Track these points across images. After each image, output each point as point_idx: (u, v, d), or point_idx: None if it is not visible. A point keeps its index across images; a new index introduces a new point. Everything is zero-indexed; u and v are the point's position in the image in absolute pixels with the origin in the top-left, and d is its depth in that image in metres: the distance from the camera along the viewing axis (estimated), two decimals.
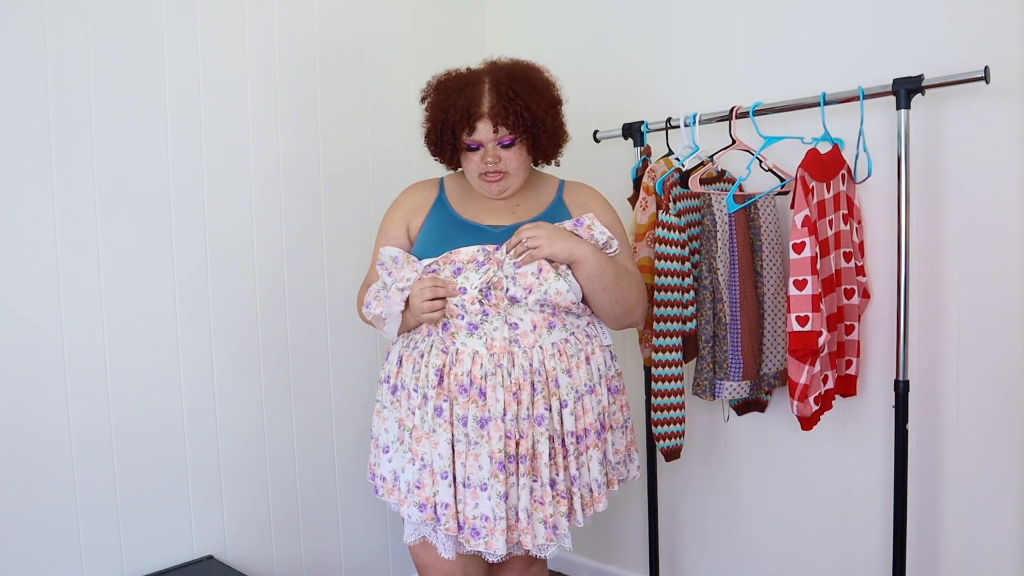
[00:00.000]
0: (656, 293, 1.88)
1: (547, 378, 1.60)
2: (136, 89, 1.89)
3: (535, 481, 1.59)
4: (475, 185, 1.70)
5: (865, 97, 1.74)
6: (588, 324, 1.70)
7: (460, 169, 1.76)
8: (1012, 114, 1.70)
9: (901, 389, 1.73)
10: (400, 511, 1.65)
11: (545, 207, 1.72)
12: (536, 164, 1.75)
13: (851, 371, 1.88)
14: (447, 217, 1.70)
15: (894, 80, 1.68)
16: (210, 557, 2.03)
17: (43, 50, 1.75)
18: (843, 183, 1.80)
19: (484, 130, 1.60)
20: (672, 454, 1.97)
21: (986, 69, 1.60)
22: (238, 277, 2.08)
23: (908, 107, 1.68)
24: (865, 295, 1.89)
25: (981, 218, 1.76)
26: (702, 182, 1.95)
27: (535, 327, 1.60)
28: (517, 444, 1.58)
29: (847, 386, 1.89)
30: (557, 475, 1.61)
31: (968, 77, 1.62)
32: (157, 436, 1.95)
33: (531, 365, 1.58)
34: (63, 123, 1.78)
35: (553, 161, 1.75)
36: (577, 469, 1.63)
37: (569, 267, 1.60)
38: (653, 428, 1.94)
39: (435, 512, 1.60)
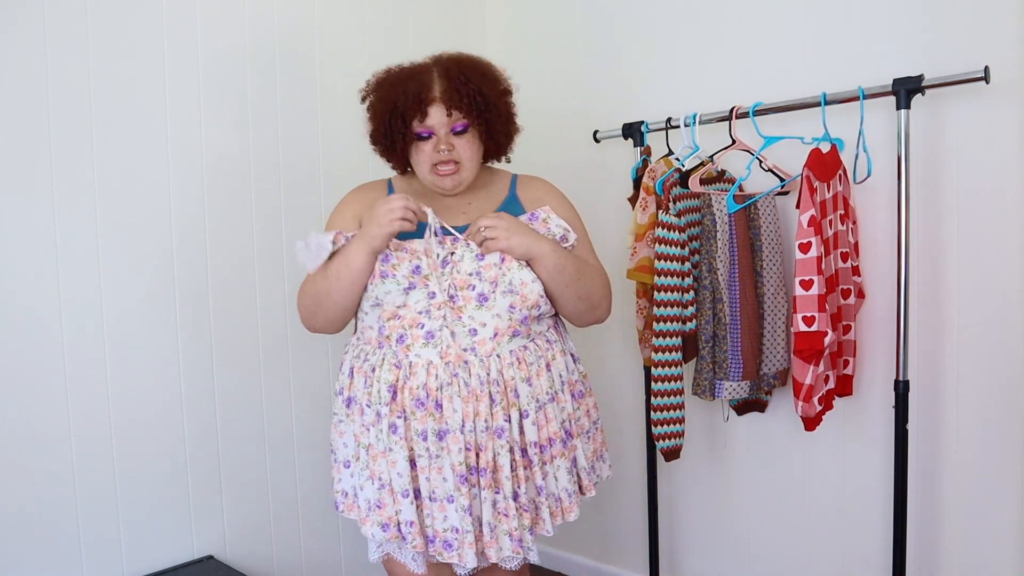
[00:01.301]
0: (656, 293, 1.88)
1: (506, 388, 1.52)
2: (135, 82, 1.89)
3: (497, 493, 1.53)
4: (427, 181, 1.61)
5: (865, 97, 1.74)
6: (548, 329, 1.64)
7: (409, 170, 1.69)
8: (1012, 114, 1.70)
9: (901, 389, 1.73)
10: (362, 530, 1.59)
11: (498, 205, 1.65)
12: (488, 160, 1.69)
13: (847, 371, 1.88)
14: None
15: (894, 80, 1.68)
16: (210, 557, 2.03)
17: (43, 44, 1.75)
18: (840, 183, 1.81)
19: (437, 115, 1.53)
20: (672, 454, 1.97)
21: (986, 69, 1.60)
22: (237, 275, 2.08)
23: (908, 107, 1.68)
24: (860, 295, 1.89)
25: (981, 218, 1.76)
26: (702, 182, 1.94)
27: (496, 334, 1.52)
28: (477, 456, 1.52)
29: (844, 386, 1.89)
30: (519, 487, 1.54)
31: (968, 77, 1.62)
32: (157, 436, 1.95)
33: (488, 375, 1.51)
34: (62, 118, 1.78)
35: (505, 157, 1.70)
36: (543, 479, 1.57)
37: (528, 264, 1.54)
38: (653, 428, 1.94)
39: (399, 530, 1.54)
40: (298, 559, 2.22)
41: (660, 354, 1.88)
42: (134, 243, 1.90)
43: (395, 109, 1.54)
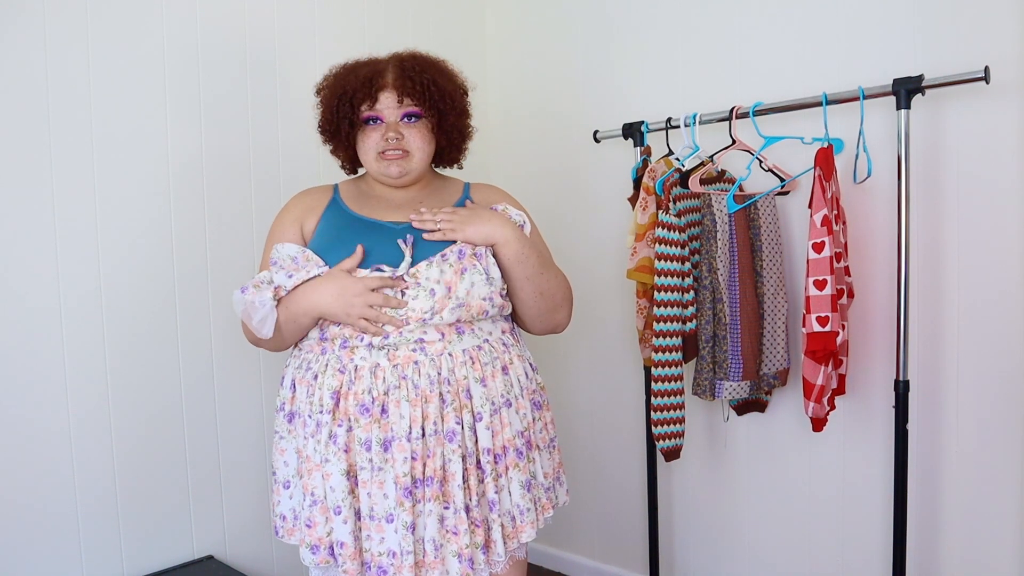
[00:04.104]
0: (656, 293, 1.88)
1: (458, 388, 1.41)
2: (132, 82, 1.89)
3: (446, 508, 1.40)
4: (373, 169, 1.53)
5: (865, 97, 1.74)
6: (504, 333, 1.54)
7: (359, 173, 1.64)
8: (1012, 114, 1.70)
9: (901, 389, 1.73)
10: (300, 553, 1.46)
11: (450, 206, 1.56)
12: (440, 164, 1.64)
13: (841, 370, 1.88)
14: (343, 216, 1.53)
15: (894, 80, 1.68)
16: (210, 557, 2.03)
17: (43, 44, 1.75)
18: (834, 183, 1.81)
19: (387, 100, 1.47)
20: (672, 454, 1.97)
21: (986, 69, 1.60)
22: (239, 272, 2.08)
23: (908, 107, 1.68)
24: (850, 295, 1.90)
25: (981, 218, 1.76)
26: (702, 182, 1.95)
27: (443, 336, 1.43)
28: (424, 466, 1.39)
29: (840, 385, 1.89)
30: (471, 500, 1.41)
31: (968, 77, 1.62)
32: (157, 436, 1.95)
33: (439, 374, 1.40)
34: (62, 118, 1.78)
35: (457, 163, 1.65)
36: (496, 493, 1.44)
37: (492, 251, 1.47)
38: (653, 428, 1.95)
39: (331, 553, 1.42)
40: (298, 559, 2.21)
41: (660, 354, 1.89)
42: (133, 241, 1.90)
43: (344, 93, 1.49)
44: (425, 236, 1.45)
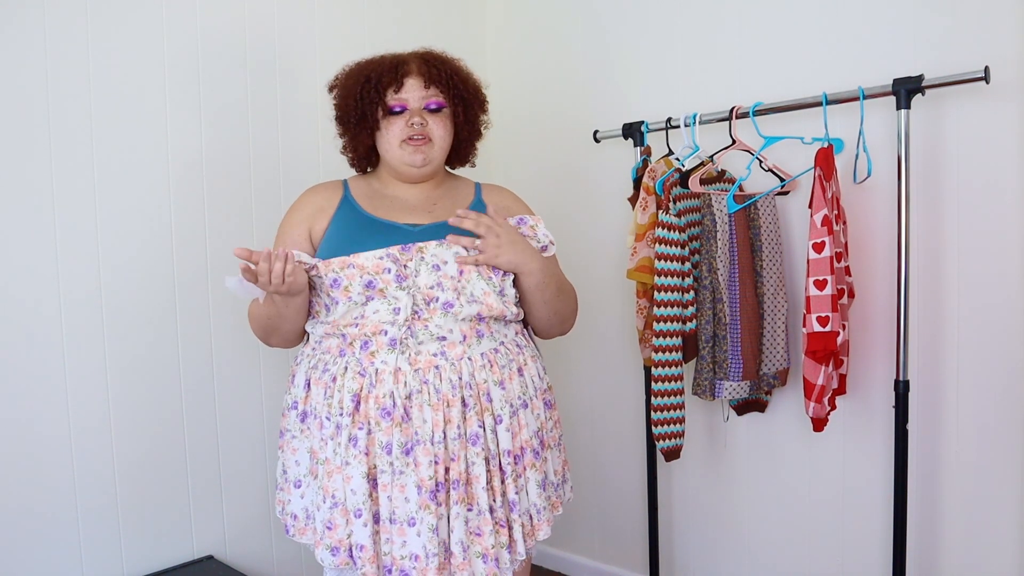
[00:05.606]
0: (656, 293, 1.88)
1: (479, 392, 1.43)
2: (132, 81, 1.89)
3: (470, 510, 1.42)
4: (395, 158, 1.52)
5: (865, 97, 1.74)
6: (517, 334, 1.57)
7: (368, 171, 1.65)
8: (1012, 114, 1.70)
9: (901, 389, 1.73)
10: (316, 554, 1.46)
11: (464, 208, 1.57)
12: (452, 162, 1.66)
13: (842, 370, 1.88)
14: (356, 216, 1.51)
15: (894, 80, 1.68)
16: (210, 557, 2.03)
17: (43, 44, 1.75)
18: (834, 183, 1.81)
19: (413, 87, 1.49)
20: (672, 454, 1.97)
21: (986, 69, 1.60)
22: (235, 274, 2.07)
23: (908, 107, 1.68)
24: (851, 295, 1.90)
25: (981, 218, 1.76)
26: (702, 182, 1.95)
27: (465, 338, 1.45)
28: (447, 469, 1.41)
29: (840, 385, 1.89)
30: (495, 501, 1.44)
31: (968, 77, 1.62)
32: (158, 436, 1.95)
33: (460, 378, 1.42)
34: (61, 118, 1.78)
35: (469, 161, 1.67)
36: (516, 493, 1.46)
37: (513, 273, 1.51)
38: (653, 428, 1.95)
39: (350, 556, 1.42)
40: (298, 559, 2.22)
41: (660, 354, 1.89)
42: (134, 242, 1.90)
43: (368, 80, 1.50)
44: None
